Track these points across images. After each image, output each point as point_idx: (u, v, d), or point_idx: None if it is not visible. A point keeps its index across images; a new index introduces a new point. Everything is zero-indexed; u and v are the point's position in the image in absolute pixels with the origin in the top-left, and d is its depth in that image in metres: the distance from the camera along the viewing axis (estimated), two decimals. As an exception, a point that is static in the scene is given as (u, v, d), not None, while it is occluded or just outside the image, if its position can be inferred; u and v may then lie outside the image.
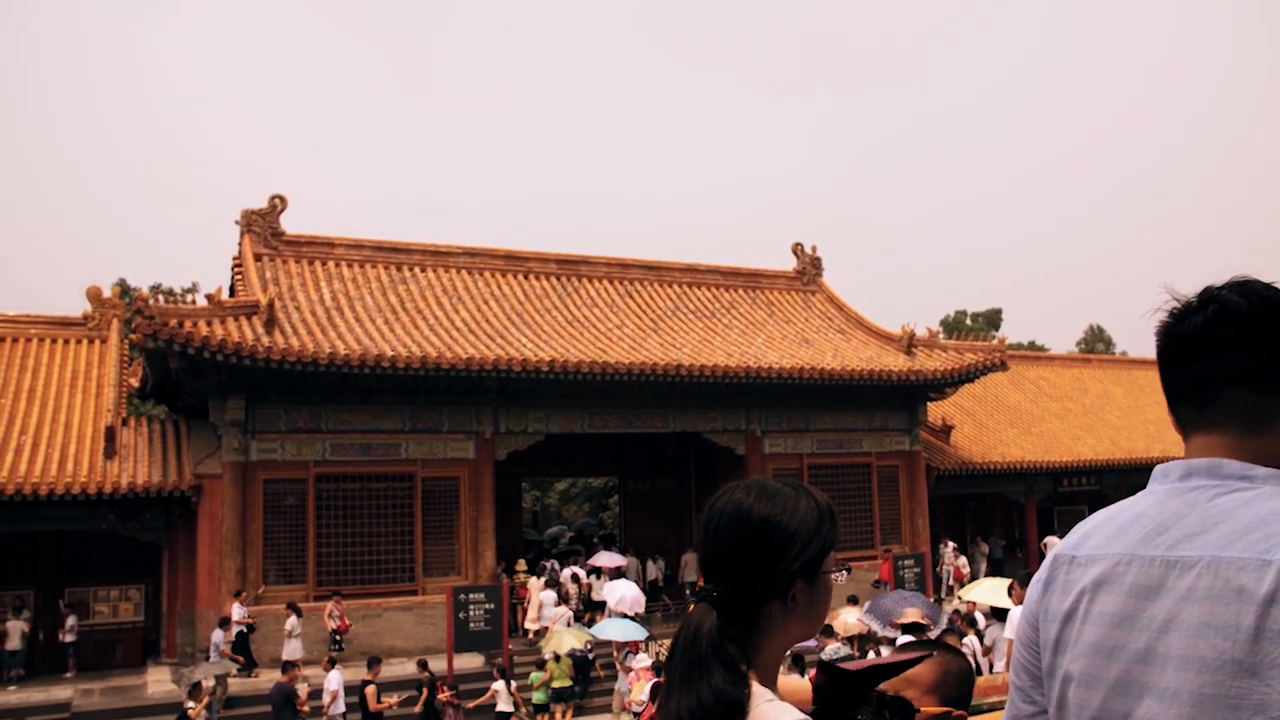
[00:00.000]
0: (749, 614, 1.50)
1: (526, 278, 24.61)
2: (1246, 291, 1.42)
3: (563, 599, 20.81)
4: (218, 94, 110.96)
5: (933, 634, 10.88)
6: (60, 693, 17.26)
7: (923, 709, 2.07)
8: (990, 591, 14.72)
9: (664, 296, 25.96)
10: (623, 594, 18.93)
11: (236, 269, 21.93)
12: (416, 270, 23.37)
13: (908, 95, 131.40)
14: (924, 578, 21.69)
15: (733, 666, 1.42)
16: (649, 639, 17.29)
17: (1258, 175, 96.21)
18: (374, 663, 15.34)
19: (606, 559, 23.13)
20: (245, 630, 17.60)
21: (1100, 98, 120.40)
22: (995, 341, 27.57)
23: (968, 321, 53.20)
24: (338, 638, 18.18)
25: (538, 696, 16.59)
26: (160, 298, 26.78)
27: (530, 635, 19.83)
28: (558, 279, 25.00)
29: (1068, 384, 33.89)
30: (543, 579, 21.06)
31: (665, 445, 26.30)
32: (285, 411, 19.29)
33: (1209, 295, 1.44)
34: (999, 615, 13.45)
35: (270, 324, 18.77)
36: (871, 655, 13.55)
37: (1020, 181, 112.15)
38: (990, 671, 12.02)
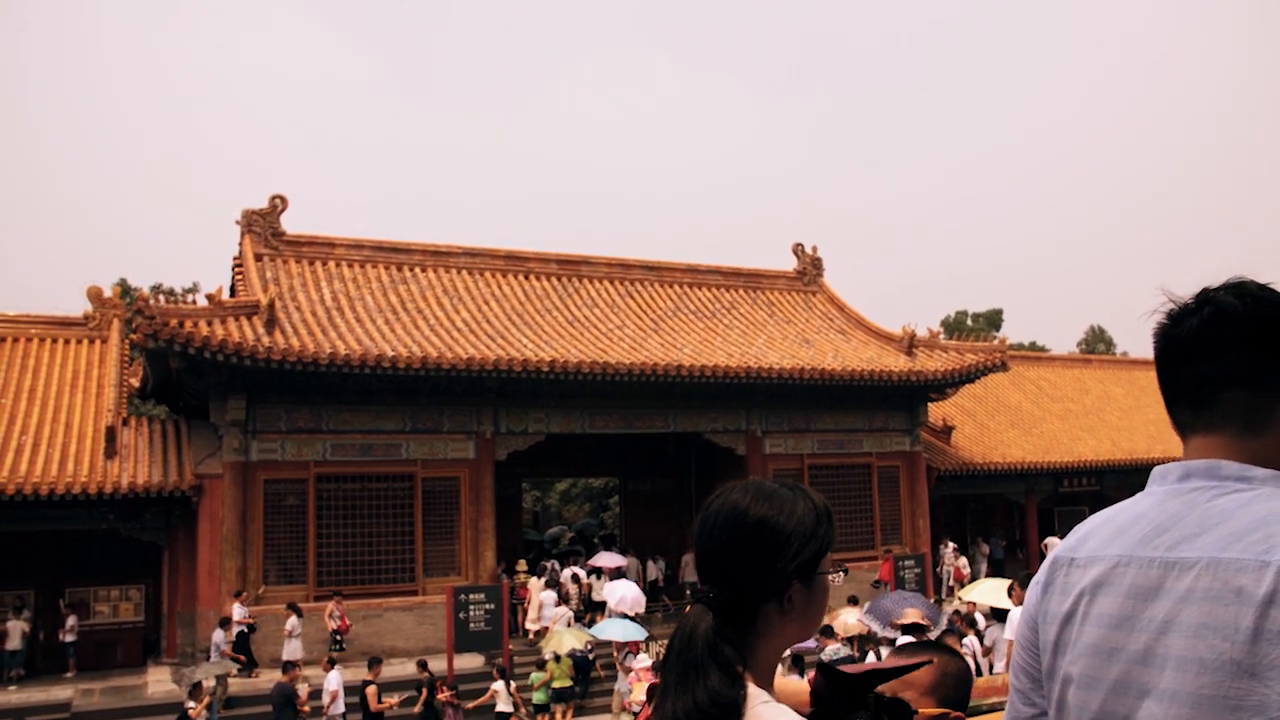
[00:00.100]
0: (745, 615, 1.50)
1: (527, 278, 24.62)
2: (1242, 293, 1.42)
3: (563, 599, 20.81)
4: (218, 94, 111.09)
5: (932, 635, 10.88)
6: (60, 693, 17.26)
7: (920, 711, 2.07)
8: (990, 592, 14.72)
9: (665, 297, 25.96)
10: (623, 594, 18.94)
11: (237, 269, 21.94)
12: (417, 270, 23.38)
13: (908, 95, 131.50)
14: (924, 578, 21.69)
15: (729, 668, 1.42)
16: (649, 639, 17.29)
17: (1258, 175, 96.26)
18: (375, 663, 15.34)
19: (607, 559, 23.13)
20: (246, 630, 17.61)
21: (1100, 98, 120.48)
22: (996, 342, 27.58)
23: (968, 322, 53.20)
24: (338, 638, 18.18)
25: (538, 697, 16.60)
26: (161, 298, 26.78)
27: (531, 635, 19.83)
28: (558, 279, 25.01)
29: (1068, 384, 33.88)
30: (543, 579, 21.06)
31: (666, 445, 26.31)
32: (286, 411, 19.29)
33: (1205, 297, 1.45)
34: (999, 616, 13.45)
35: (271, 324, 18.77)
36: (871, 656, 13.55)
37: (1021, 182, 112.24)
38: (990, 672, 12.01)
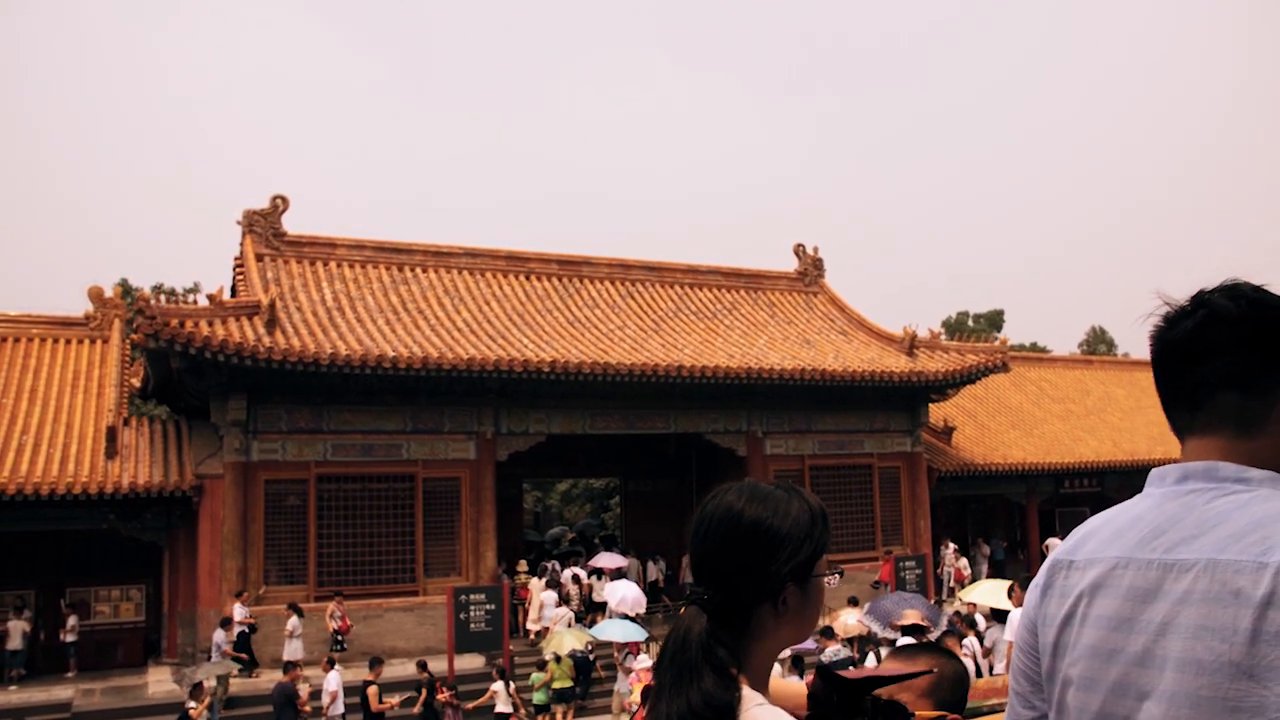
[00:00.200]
0: (740, 617, 1.49)
1: (528, 278, 24.62)
2: (1235, 295, 1.43)
3: (564, 600, 20.81)
4: (218, 94, 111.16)
5: (932, 636, 10.88)
6: (61, 692, 17.27)
7: (918, 713, 2.06)
8: (990, 593, 14.70)
9: (665, 297, 25.97)
10: (623, 595, 18.93)
11: (238, 269, 21.96)
12: (418, 271, 23.39)
13: (908, 95, 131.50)
14: (925, 579, 21.68)
15: (723, 670, 1.42)
16: (649, 640, 17.29)
17: (1259, 175, 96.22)
18: (376, 663, 15.34)
19: (607, 560, 23.12)
20: (247, 630, 17.62)
21: (1101, 98, 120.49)
22: (997, 343, 27.58)
23: (969, 323, 53.20)
24: (339, 638, 18.18)
25: (538, 697, 16.60)
26: (162, 298, 26.82)
27: (531, 636, 19.83)
28: (559, 280, 25.01)
29: (1070, 385, 33.87)
30: (544, 580, 21.06)
31: (666, 446, 26.30)
32: (287, 412, 19.30)
33: (1199, 300, 1.46)
34: (999, 617, 13.44)
35: (272, 324, 18.78)
36: (871, 657, 13.55)
37: (1021, 182, 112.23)
38: (990, 673, 12.00)
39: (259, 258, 21.69)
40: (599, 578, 22.34)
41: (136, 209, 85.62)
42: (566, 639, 16.92)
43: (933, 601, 18.18)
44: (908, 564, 21.63)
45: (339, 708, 14.91)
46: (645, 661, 15.67)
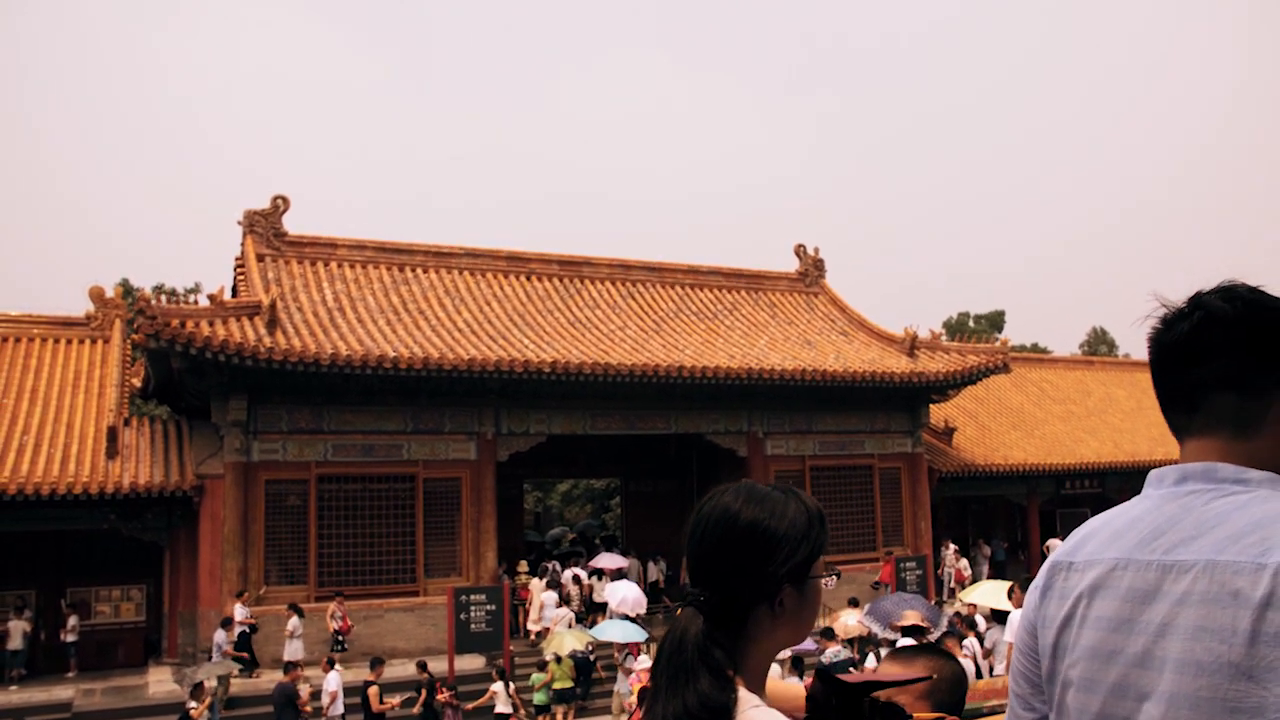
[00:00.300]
0: (736, 619, 1.49)
1: (529, 279, 24.63)
2: (1231, 296, 1.44)
3: (564, 600, 20.81)
4: (218, 94, 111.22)
5: (932, 637, 10.88)
6: (62, 692, 17.28)
7: (916, 715, 2.06)
8: (990, 594, 14.70)
9: (666, 298, 25.97)
10: (624, 595, 18.92)
11: (239, 269, 21.97)
12: (419, 271, 23.40)
13: (908, 96, 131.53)
14: (926, 580, 21.68)
15: (719, 672, 1.41)
16: (649, 641, 17.28)
17: (1260, 175, 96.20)
18: (377, 663, 15.34)
19: (608, 560, 23.12)
20: (248, 630, 17.62)
21: (1101, 97, 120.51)
22: (998, 343, 27.56)
23: (970, 323, 53.18)
24: (340, 638, 18.19)
25: (539, 698, 16.60)
26: (162, 298, 26.83)
27: (532, 637, 19.83)
28: (560, 280, 25.02)
29: (1070, 386, 33.86)
30: (544, 580, 21.06)
31: (667, 447, 26.30)
32: (287, 412, 19.31)
33: (1196, 302, 1.46)
34: (999, 618, 13.43)
35: (272, 324, 18.79)
36: (871, 658, 13.54)
37: (1022, 182, 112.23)
38: (990, 674, 12.00)
39: (260, 258, 21.71)
40: (599, 578, 22.34)
41: (137, 209, 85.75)
42: (567, 639, 16.92)
43: (933, 602, 18.18)
44: (908, 565, 21.63)
45: (339, 708, 14.92)
46: (645, 662, 15.67)
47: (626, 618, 18.05)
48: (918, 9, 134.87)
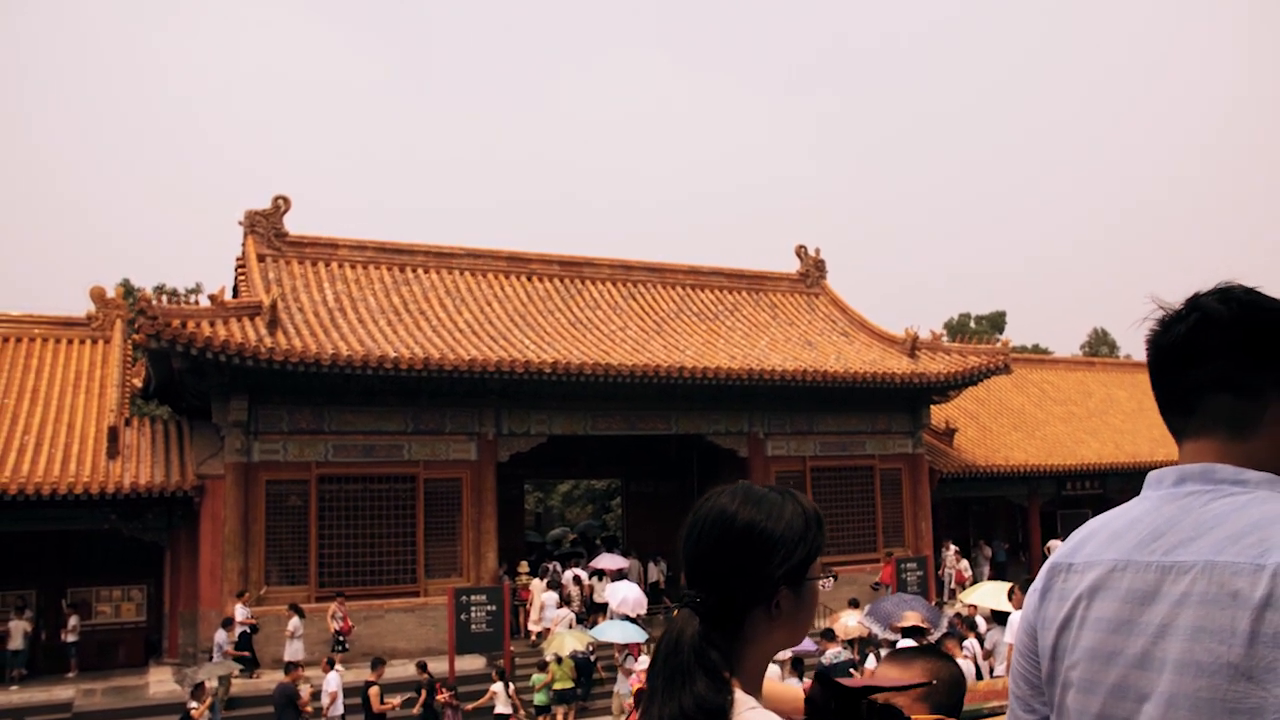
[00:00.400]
0: (733, 620, 1.48)
1: (530, 279, 24.64)
2: (1227, 298, 1.45)
3: (565, 601, 20.81)
4: (218, 94, 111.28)
5: (932, 637, 10.87)
6: (62, 693, 17.28)
7: (914, 717, 2.06)
8: (990, 595, 14.70)
9: (667, 298, 25.98)
10: (624, 596, 18.92)
11: (240, 270, 21.98)
12: (420, 271, 23.40)
13: (908, 96, 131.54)
14: (927, 581, 21.68)
15: (715, 674, 1.41)
16: (649, 641, 17.28)
17: (1260, 175, 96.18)
18: (378, 663, 15.35)
19: (608, 561, 23.11)
20: (249, 631, 17.63)
21: (1101, 98, 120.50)
22: (999, 344, 27.56)
23: (971, 324, 53.17)
24: (341, 639, 18.19)
25: (539, 698, 16.60)
26: (163, 298, 26.82)
27: (533, 637, 19.83)
28: (561, 280, 25.03)
29: (1071, 387, 33.85)
30: (545, 581, 21.06)
31: (668, 447, 26.31)
32: (288, 412, 19.31)
33: (1192, 304, 1.47)
34: (999, 619, 13.43)
35: (273, 325, 18.80)
36: (871, 659, 13.54)
37: (1023, 183, 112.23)
38: (991, 676, 12.00)
39: (261, 258, 21.72)
40: (600, 579, 22.34)
41: (137, 209, 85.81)
42: (567, 640, 16.92)
43: (933, 603, 18.17)
44: (909, 566, 21.63)
45: (338, 708, 14.92)
46: (646, 663, 15.65)
47: (627, 618, 18.04)
48: (918, 9, 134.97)
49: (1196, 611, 1.29)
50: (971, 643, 13.19)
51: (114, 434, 18.70)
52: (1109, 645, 1.39)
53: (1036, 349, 50.52)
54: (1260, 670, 1.22)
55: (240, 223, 22.26)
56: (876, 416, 25.04)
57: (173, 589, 19.22)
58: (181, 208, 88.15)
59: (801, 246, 29.10)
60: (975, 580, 24.36)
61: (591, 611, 21.55)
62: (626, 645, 17.11)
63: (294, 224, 22.83)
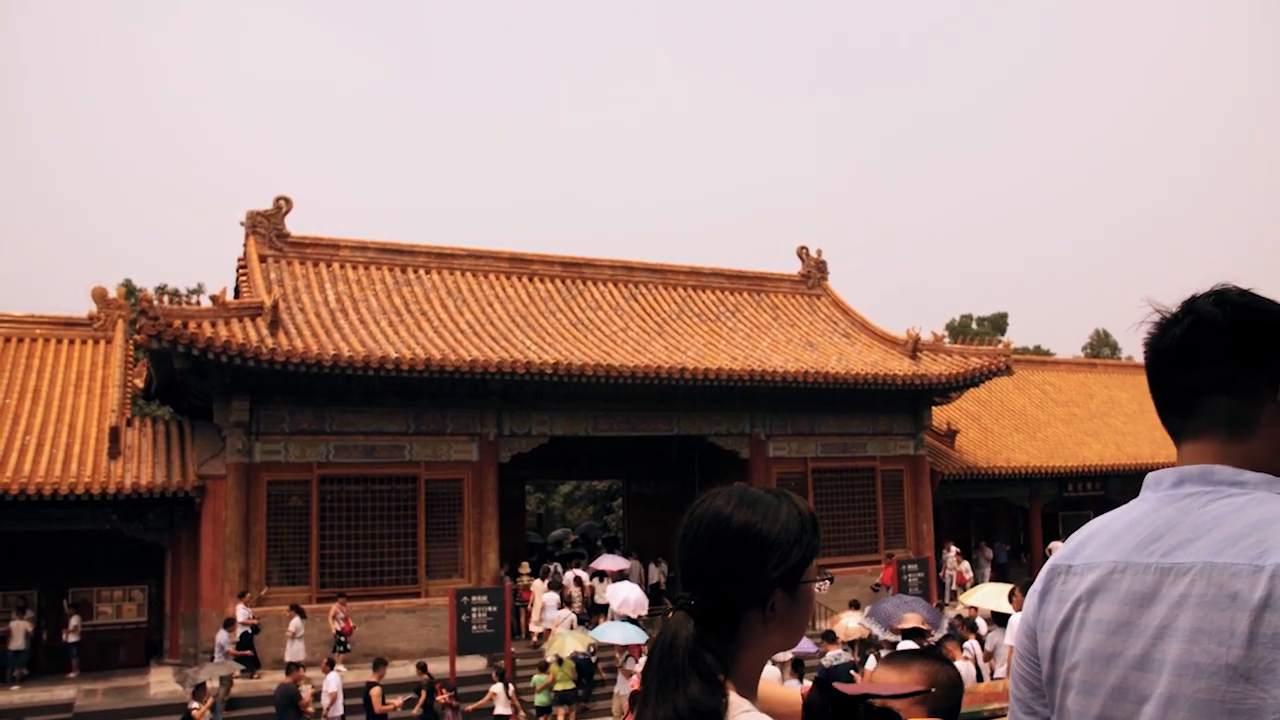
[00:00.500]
0: (728, 623, 1.48)
1: (531, 280, 24.64)
2: (1222, 300, 1.46)
3: (566, 602, 20.81)
4: (218, 94, 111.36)
5: (933, 639, 10.87)
6: (63, 693, 17.29)
7: None
8: (991, 597, 14.69)
9: (669, 299, 25.98)
10: (625, 597, 18.91)
11: (241, 270, 22.00)
12: (421, 272, 23.41)
13: (909, 96, 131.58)
14: (927, 582, 21.67)
15: (710, 676, 1.41)
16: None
17: (1260, 176, 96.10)
18: (380, 664, 15.36)
19: (609, 562, 23.11)
20: (250, 631, 17.64)
21: (1101, 98, 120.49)
22: (1000, 346, 27.53)
23: (973, 325, 53.15)
24: (342, 639, 18.20)
25: (540, 699, 16.60)
26: (165, 299, 26.80)
27: (534, 638, 19.83)
28: (562, 281, 25.03)
29: (1073, 389, 33.83)
30: (546, 582, 21.06)
31: (669, 448, 26.31)
32: (289, 413, 19.32)
33: (1188, 306, 1.48)
34: (1000, 620, 13.42)
35: (275, 325, 18.81)
36: (871, 660, 13.53)
37: (1023, 183, 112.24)
38: (991, 677, 11.98)
39: (262, 259, 21.73)
40: (601, 580, 22.34)
41: (138, 209, 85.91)
42: (568, 641, 16.92)
43: (934, 605, 18.16)
44: (910, 567, 21.63)
45: (339, 709, 14.92)
46: (646, 664, 15.64)
47: (628, 619, 18.04)
48: (918, 9, 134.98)
49: (1195, 613, 1.29)
50: (972, 644, 13.17)
51: (115, 434, 18.71)
52: (1109, 647, 1.39)
53: (1038, 350, 50.48)
54: (1259, 671, 1.22)
55: (242, 223, 22.28)
56: (878, 418, 25.03)
57: (174, 589, 19.23)
58: (182, 208, 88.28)
59: (803, 247, 29.10)
60: (976, 582, 24.34)
61: (593, 612, 21.55)
62: (627, 646, 17.11)
63: (295, 224, 22.88)
